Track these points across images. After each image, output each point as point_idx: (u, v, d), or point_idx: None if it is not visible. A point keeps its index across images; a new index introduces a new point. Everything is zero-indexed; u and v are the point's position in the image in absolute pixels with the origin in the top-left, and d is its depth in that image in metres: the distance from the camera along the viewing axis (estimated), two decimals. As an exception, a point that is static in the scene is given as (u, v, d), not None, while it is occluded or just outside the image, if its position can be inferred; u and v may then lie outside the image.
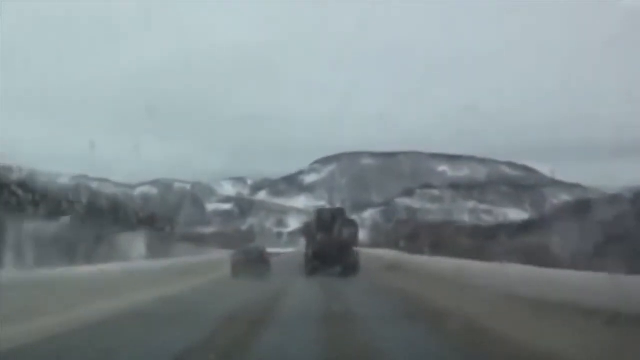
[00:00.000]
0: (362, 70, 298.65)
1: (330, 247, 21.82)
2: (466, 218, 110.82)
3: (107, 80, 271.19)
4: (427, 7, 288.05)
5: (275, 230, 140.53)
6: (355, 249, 23.62)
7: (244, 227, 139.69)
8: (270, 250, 28.52)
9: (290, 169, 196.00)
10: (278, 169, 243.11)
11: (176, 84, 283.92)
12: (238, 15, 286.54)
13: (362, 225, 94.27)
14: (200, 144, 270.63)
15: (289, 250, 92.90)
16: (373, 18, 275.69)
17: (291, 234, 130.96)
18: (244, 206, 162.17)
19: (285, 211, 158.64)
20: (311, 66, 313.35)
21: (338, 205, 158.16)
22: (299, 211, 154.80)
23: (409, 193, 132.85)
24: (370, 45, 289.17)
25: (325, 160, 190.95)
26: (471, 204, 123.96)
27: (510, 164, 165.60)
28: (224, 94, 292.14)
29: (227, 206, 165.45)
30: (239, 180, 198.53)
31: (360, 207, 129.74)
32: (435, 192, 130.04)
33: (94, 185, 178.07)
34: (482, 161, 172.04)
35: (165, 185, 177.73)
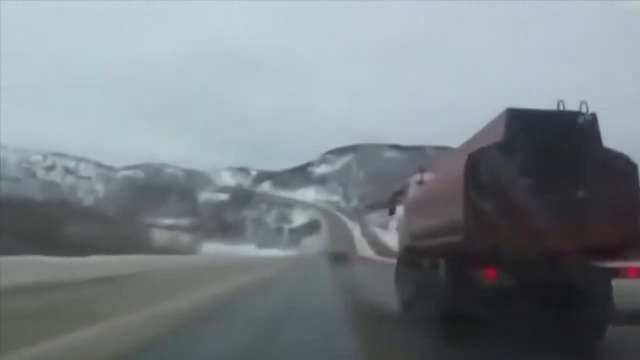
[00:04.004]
0: (375, 66, 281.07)
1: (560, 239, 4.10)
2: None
3: (115, 69, 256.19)
4: (449, 7, 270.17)
5: (274, 225, 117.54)
6: None
7: (237, 220, 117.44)
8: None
9: (298, 161, 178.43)
10: (285, 162, 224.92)
11: (181, 76, 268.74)
12: (248, 12, 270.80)
13: (385, 227, 71.89)
14: (204, 137, 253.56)
15: (289, 254, 70.95)
16: (391, 15, 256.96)
17: (293, 230, 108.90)
18: (242, 197, 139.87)
19: (290, 204, 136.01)
20: (321, 62, 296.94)
21: (355, 200, 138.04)
22: (306, 205, 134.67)
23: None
24: (388, 41, 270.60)
25: (339, 151, 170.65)
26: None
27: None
28: (230, 88, 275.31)
29: (223, 196, 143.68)
30: (241, 170, 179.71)
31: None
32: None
33: (71, 164, 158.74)
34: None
35: (154, 170, 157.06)
